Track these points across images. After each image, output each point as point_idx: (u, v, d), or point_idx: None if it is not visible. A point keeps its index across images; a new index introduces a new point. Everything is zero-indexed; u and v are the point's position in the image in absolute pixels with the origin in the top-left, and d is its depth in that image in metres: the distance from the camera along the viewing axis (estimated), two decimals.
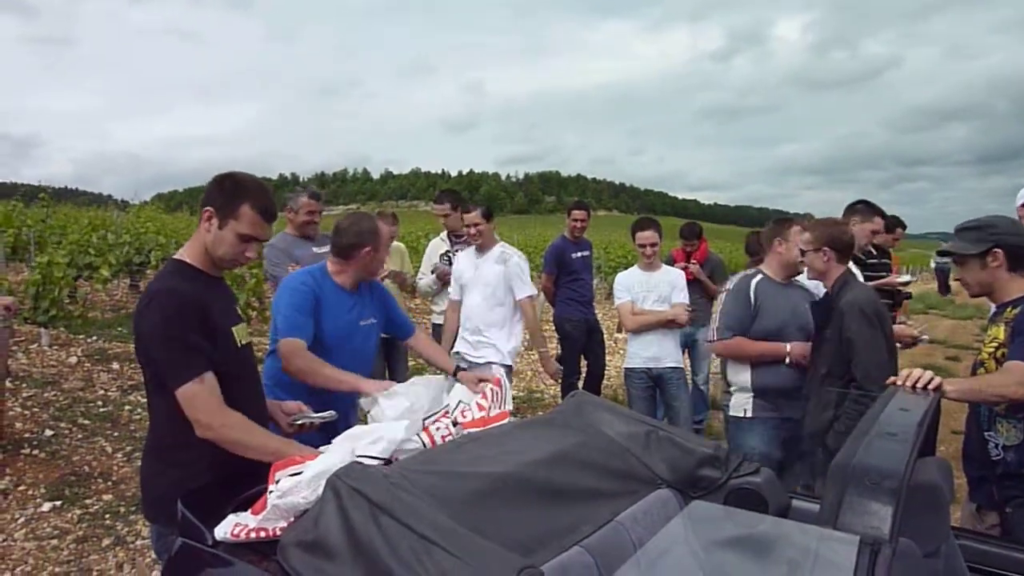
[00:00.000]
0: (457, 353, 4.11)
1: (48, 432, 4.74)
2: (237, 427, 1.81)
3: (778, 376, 3.10)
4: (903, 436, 1.51)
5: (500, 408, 2.27)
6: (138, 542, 3.48)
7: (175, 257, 1.98)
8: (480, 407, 2.23)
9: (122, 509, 3.82)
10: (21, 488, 3.98)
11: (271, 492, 1.54)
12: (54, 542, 3.45)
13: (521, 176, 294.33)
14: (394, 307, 2.95)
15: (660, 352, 4.23)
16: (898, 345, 3.45)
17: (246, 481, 1.75)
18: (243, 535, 1.52)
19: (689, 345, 5.50)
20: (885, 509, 1.29)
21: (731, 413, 3.23)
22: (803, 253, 3.00)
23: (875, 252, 4.29)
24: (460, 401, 2.26)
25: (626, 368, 4.38)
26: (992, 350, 2.40)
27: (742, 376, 3.18)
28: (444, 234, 4.92)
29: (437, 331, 4.68)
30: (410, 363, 4.82)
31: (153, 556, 2.86)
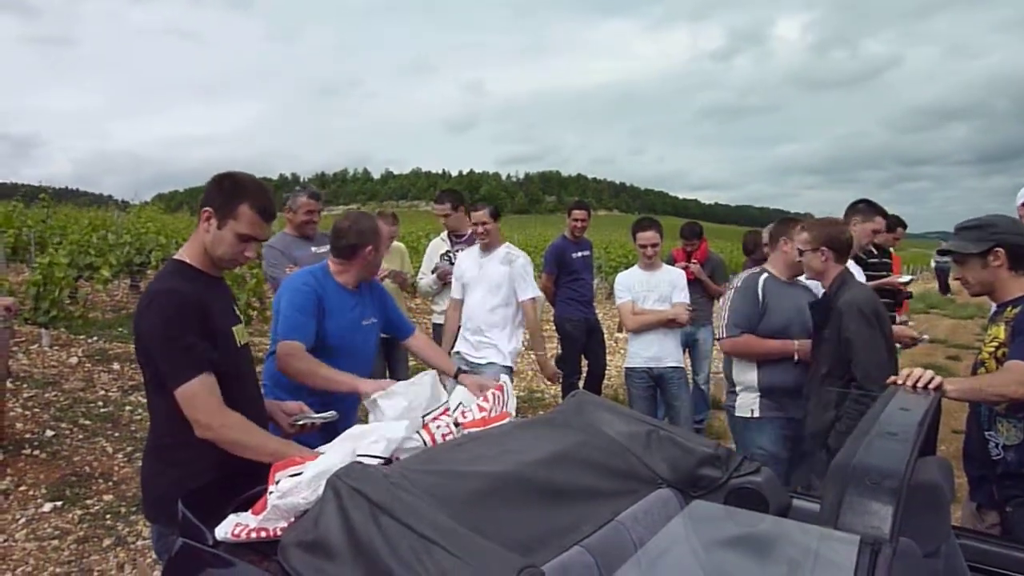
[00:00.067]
0: (458, 353, 4.09)
1: (49, 432, 4.74)
2: (236, 427, 1.81)
3: (784, 375, 3.09)
4: (903, 436, 1.51)
5: (502, 410, 2.26)
6: (139, 542, 3.49)
7: (175, 257, 1.98)
8: (481, 408, 2.23)
9: (123, 509, 3.82)
10: (22, 488, 3.98)
11: (271, 492, 1.54)
12: (55, 542, 3.46)
13: (521, 176, 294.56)
14: (393, 307, 2.95)
15: (661, 352, 4.23)
16: (898, 346, 3.46)
17: (246, 481, 1.75)
18: (244, 535, 1.52)
19: (690, 345, 5.50)
20: (885, 509, 1.29)
21: (738, 414, 3.21)
22: (801, 253, 3.00)
23: (876, 252, 4.29)
24: (460, 403, 2.26)
25: (627, 368, 4.38)
26: (992, 349, 2.40)
27: (748, 375, 3.17)
28: (444, 234, 4.92)
29: (437, 331, 4.68)
30: (410, 363, 4.81)
31: (154, 556, 2.86)
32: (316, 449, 1.85)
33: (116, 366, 6.44)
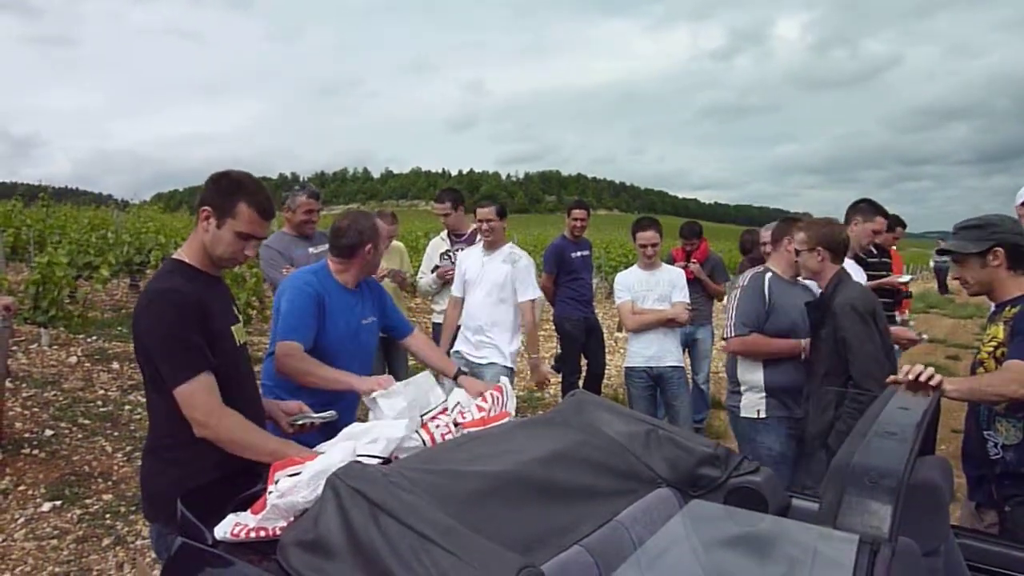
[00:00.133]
0: (457, 352, 4.07)
1: (48, 432, 4.74)
2: (235, 427, 1.81)
3: (790, 375, 3.09)
4: (903, 435, 1.51)
5: (501, 410, 2.26)
6: (138, 542, 3.49)
7: (173, 257, 1.98)
8: (480, 408, 2.23)
9: (122, 509, 3.82)
10: (21, 488, 3.98)
11: (271, 492, 1.54)
12: (54, 542, 3.45)
13: (521, 175, 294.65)
14: (391, 306, 2.94)
15: (660, 351, 4.23)
16: (897, 347, 3.46)
17: (246, 480, 1.75)
18: (243, 534, 1.52)
19: (689, 344, 5.50)
20: (884, 508, 1.29)
21: (743, 414, 3.19)
22: (797, 253, 3.00)
23: (876, 251, 4.30)
24: (458, 403, 2.26)
25: (626, 367, 4.38)
26: (991, 349, 2.40)
27: (754, 375, 3.15)
28: (444, 233, 4.92)
29: (437, 330, 4.68)
30: (410, 362, 4.81)
31: (153, 556, 2.86)
32: (315, 448, 1.85)
33: (115, 365, 6.44)
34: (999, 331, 2.38)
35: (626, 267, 4.83)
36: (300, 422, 2.18)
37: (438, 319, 4.73)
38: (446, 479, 1.53)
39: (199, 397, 1.77)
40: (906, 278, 4.52)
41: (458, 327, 4.22)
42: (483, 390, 2.40)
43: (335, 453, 1.66)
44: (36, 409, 5.11)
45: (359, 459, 1.65)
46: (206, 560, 1.54)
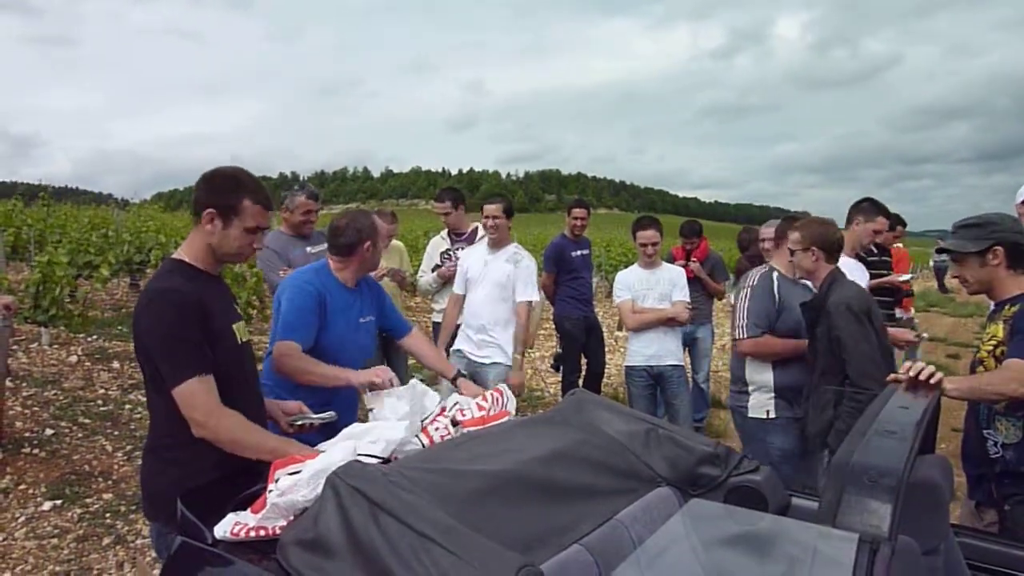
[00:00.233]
0: (459, 351, 4.05)
1: (48, 431, 4.74)
2: (234, 427, 1.81)
3: (799, 375, 3.08)
4: (902, 434, 1.51)
5: (501, 410, 2.26)
6: (138, 541, 3.49)
7: (173, 256, 1.98)
8: (480, 407, 2.22)
9: (122, 508, 3.82)
10: (21, 487, 3.98)
11: (271, 491, 1.54)
12: (54, 541, 3.46)
13: (521, 174, 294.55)
14: (390, 305, 2.93)
15: (661, 350, 4.23)
16: (896, 349, 3.46)
17: (246, 480, 1.75)
18: (243, 534, 1.52)
19: (689, 343, 5.50)
20: (884, 507, 1.29)
21: (751, 414, 3.18)
22: (792, 253, 3.00)
23: (876, 250, 4.30)
24: (457, 403, 2.26)
25: (627, 366, 4.38)
26: (991, 348, 2.40)
27: (763, 376, 3.14)
28: (445, 232, 4.91)
29: (437, 329, 4.67)
30: (410, 362, 4.81)
31: (153, 555, 2.87)
32: (316, 447, 1.85)
33: (116, 365, 6.44)
34: (999, 330, 2.38)
35: (626, 266, 4.83)
36: (299, 422, 2.18)
37: (438, 318, 4.72)
38: (446, 478, 1.53)
39: (198, 397, 1.77)
40: (905, 277, 4.53)
41: (458, 326, 4.21)
42: (481, 394, 2.40)
43: (336, 452, 1.66)
44: (36, 408, 5.11)
45: (359, 458, 1.65)
46: (206, 559, 1.54)
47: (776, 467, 2.20)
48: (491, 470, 1.61)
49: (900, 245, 5.62)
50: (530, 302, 3.97)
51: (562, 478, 1.69)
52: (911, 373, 2.06)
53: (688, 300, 4.32)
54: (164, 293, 1.83)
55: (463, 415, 2.17)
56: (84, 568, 3.25)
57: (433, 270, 4.77)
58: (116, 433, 4.89)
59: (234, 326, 1.99)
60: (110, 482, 4.15)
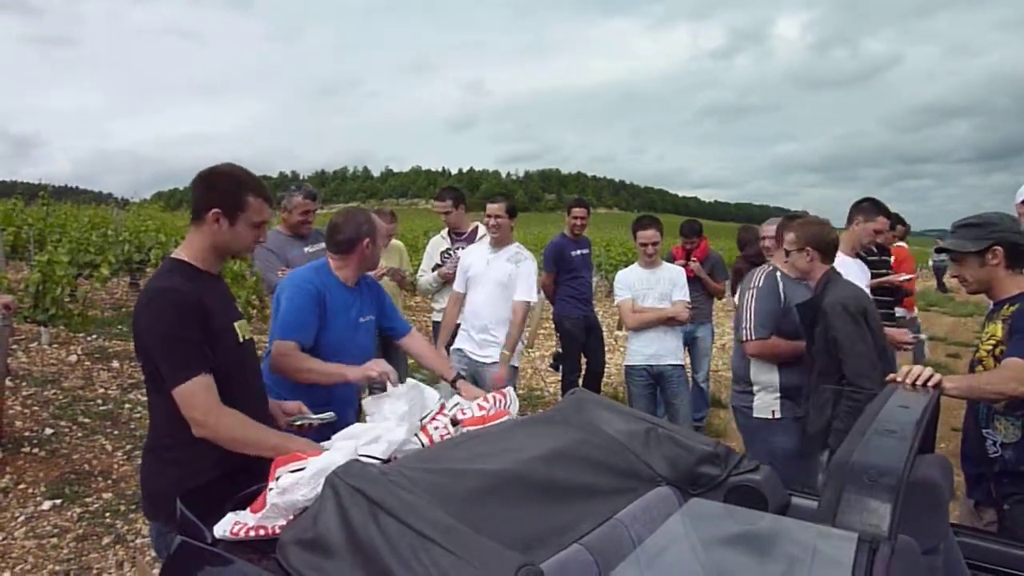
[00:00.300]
0: (460, 351, 4.04)
1: (48, 430, 4.74)
2: (234, 425, 1.81)
3: (804, 375, 3.06)
4: (902, 433, 1.51)
5: (501, 409, 2.25)
6: (138, 540, 3.49)
7: (173, 256, 1.98)
8: (480, 407, 2.22)
9: (122, 507, 3.82)
10: (21, 486, 3.98)
11: (271, 490, 1.54)
12: (54, 540, 3.46)
13: (521, 174, 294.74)
14: (389, 305, 2.92)
15: (661, 350, 4.23)
16: (896, 350, 3.45)
17: (245, 479, 1.75)
18: (242, 533, 1.52)
19: (689, 343, 5.51)
20: (884, 506, 1.29)
21: (756, 415, 3.16)
22: (787, 253, 3.00)
23: (876, 250, 4.31)
24: (457, 403, 2.25)
25: (627, 366, 4.38)
26: (990, 347, 2.40)
27: (769, 376, 3.13)
28: (445, 231, 4.91)
29: (438, 329, 4.67)
30: (410, 361, 4.81)
31: (153, 554, 2.87)
32: (320, 444, 1.85)
33: (115, 364, 6.44)
34: (997, 329, 2.38)
35: (626, 265, 4.83)
36: (298, 423, 2.18)
37: (438, 318, 4.71)
38: (446, 478, 1.53)
39: (198, 397, 1.77)
40: (906, 276, 4.54)
41: (458, 325, 4.20)
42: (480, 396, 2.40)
43: (339, 451, 1.66)
44: (36, 407, 5.11)
45: (359, 458, 1.65)
46: (205, 559, 1.54)
47: (781, 468, 2.19)
48: (491, 469, 1.61)
49: (904, 245, 5.62)
50: (527, 302, 3.95)
51: (562, 477, 1.69)
52: (908, 380, 2.05)
53: (688, 300, 4.32)
54: (164, 292, 1.83)
55: (463, 414, 2.17)
56: (84, 567, 3.25)
57: (433, 269, 4.76)
58: (116, 432, 4.89)
59: (235, 324, 1.99)
60: (110, 481, 4.15)
